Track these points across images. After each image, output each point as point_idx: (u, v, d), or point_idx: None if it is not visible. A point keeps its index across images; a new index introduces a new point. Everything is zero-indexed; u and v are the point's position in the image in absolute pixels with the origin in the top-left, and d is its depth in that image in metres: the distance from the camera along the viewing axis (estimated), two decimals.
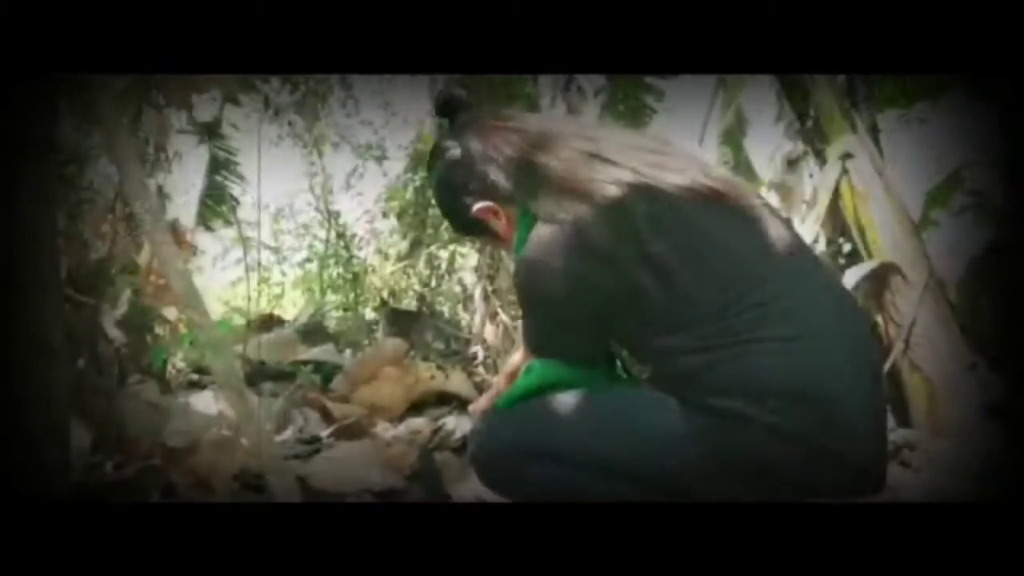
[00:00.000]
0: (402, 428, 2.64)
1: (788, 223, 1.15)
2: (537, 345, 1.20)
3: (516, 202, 1.16)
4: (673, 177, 1.08)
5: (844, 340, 1.05)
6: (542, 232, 1.09)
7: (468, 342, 4.96)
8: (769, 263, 1.05)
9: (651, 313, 1.05)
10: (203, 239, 5.54)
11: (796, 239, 1.12)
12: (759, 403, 0.98)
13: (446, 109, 1.28)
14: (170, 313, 2.03)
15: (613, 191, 1.06)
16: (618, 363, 1.25)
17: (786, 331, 1.00)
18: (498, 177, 1.16)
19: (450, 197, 1.25)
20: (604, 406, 1.12)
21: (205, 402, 2.35)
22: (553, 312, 1.14)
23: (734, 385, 1.00)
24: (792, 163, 2.54)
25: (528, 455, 1.10)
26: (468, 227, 1.27)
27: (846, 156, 2.33)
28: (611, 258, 1.06)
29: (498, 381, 1.40)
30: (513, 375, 1.32)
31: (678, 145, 1.19)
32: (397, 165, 6.95)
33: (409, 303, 5.98)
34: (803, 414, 0.98)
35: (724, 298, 1.01)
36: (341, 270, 6.75)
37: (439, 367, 3.20)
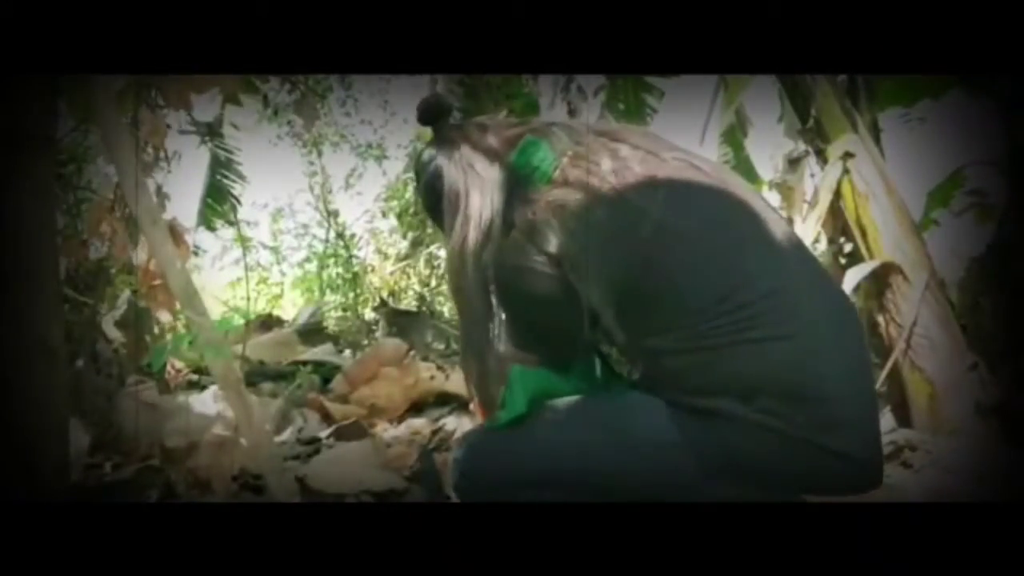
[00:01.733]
0: (402, 428, 2.64)
1: (780, 217, 1.15)
2: (521, 342, 1.17)
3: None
4: (662, 173, 1.08)
5: (834, 336, 1.05)
6: (519, 236, 1.09)
7: None
8: (760, 260, 1.04)
9: (640, 313, 1.04)
10: (203, 239, 5.55)
11: (788, 233, 1.11)
12: (746, 401, 0.98)
13: (427, 117, 1.27)
14: (168, 313, 2.03)
15: (598, 198, 1.06)
16: (607, 363, 1.24)
17: (775, 330, 1.00)
18: (480, 193, 1.15)
19: (435, 207, 1.25)
20: (594, 419, 1.10)
21: (204, 402, 2.34)
22: (535, 315, 1.14)
23: (720, 385, 1.00)
24: (793, 162, 2.53)
25: (517, 484, 1.08)
26: None
27: (847, 156, 2.32)
28: (594, 262, 1.05)
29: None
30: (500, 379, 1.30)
31: (668, 141, 1.18)
32: (397, 165, 6.97)
33: (409, 303, 5.98)
34: (792, 411, 0.98)
35: (714, 297, 1.00)
36: (340, 270, 6.74)
37: (439, 367, 3.20)
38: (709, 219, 1.06)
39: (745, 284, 1.01)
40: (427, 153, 1.27)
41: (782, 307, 1.01)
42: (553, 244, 1.06)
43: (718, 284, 1.01)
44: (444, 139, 1.25)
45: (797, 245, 1.11)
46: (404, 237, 6.39)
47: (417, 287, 6.09)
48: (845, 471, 1.02)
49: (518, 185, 1.13)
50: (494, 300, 1.15)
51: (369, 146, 7.20)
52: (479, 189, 1.16)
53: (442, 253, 5.93)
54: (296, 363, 3.89)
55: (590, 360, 1.23)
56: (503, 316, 1.16)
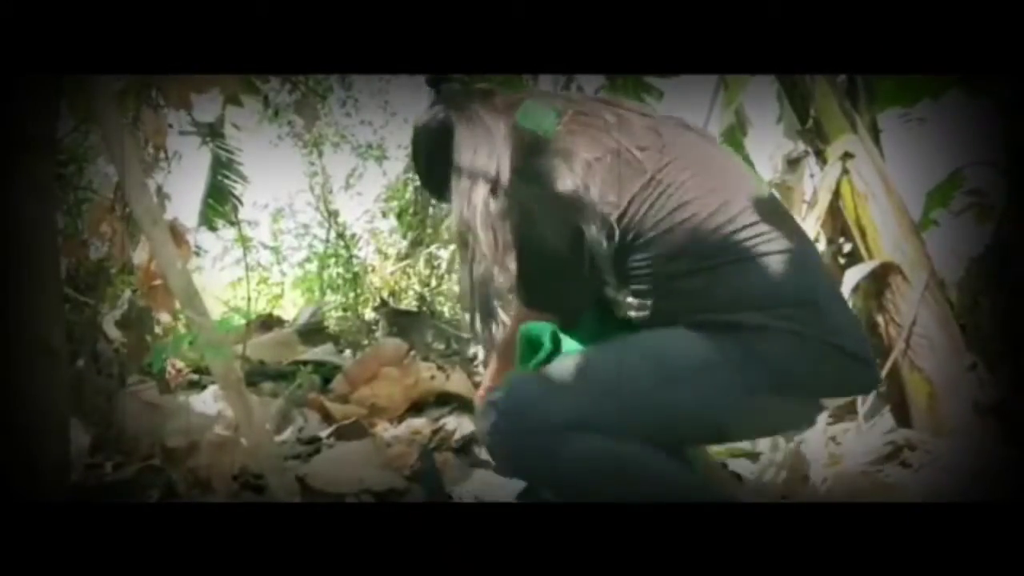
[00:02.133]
0: (402, 428, 2.64)
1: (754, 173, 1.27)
2: (531, 297, 1.20)
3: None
4: (661, 125, 1.18)
5: (811, 252, 1.19)
6: (528, 184, 1.14)
7: (468, 342, 4.95)
8: (748, 193, 1.14)
9: (648, 243, 1.10)
10: (203, 239, 5.55)
11: (760, 180, 1.25)
12: (768, 311, 1.06)
13: (435, 79, 1.34)
14: (169, 313, 2.03)
15: (602, 142, 1.12)
16: (611, 313, 1.25)
17: (774, 246, 1.09)
18: (489, 147, 1.20)
19: (435, 162, 1.29)
20: (631, 356, 1.11)
21: (204, 402, 2.35)
22: (547, 262, 1.16)
23: (739, 298, 1.07)
24: (793, 163, 2.54)
25: (558, 426, 1.04)
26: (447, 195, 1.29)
27: (847, 156, 2.33)
28: (599, 200, 1.10)
29: (490, 369, 1.39)
30: (507, 354, 1.30)
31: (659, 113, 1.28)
32: (397, 165, 6.94)
33: (409, 303, 5.97)
34: (805, 316, 1.06)
35: (716, 223, 1.09)
36: (341, 270, 6.74)
37: (439, 367, 3.20)
38: (705, 160, 1.16)
39: (742, 211, 1.10)
40: (431, 111, 1.31)
41: (772, 229, 1.11)
42: (560, 185, 1.10)
43: (717, 213, 1.09)
44: (449, 98, 1.30)
45: (767, 187, 1.24)
46: (404, 237, 6.39)
47: (417, 287, 6.09)
48: (857, 370, 1.11)
49: (523, 141, 1.17)
50: (500, 253, 1.16)
51: (369, 146, 7.19)
52: (488, 143, 1.20)
53: (442, 253, 5.93)
54: (296, 363, 3.88)
55: (595, 314, 1.25)
56: (513, 270, 1.16)
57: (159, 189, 1.93)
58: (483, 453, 2.23)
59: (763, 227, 1.10)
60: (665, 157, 1.12)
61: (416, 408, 3.00)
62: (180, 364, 2.92)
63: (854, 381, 1.14)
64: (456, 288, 5.82)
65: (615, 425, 1.05)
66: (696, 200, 1.10)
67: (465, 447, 2.29)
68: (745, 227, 1.09)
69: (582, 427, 1.04)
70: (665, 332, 1.10)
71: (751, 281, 1.07)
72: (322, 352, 4.22)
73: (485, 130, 1.22)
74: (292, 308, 6.98)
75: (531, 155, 1.15)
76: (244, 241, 6.74)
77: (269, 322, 5.28)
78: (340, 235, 6.96)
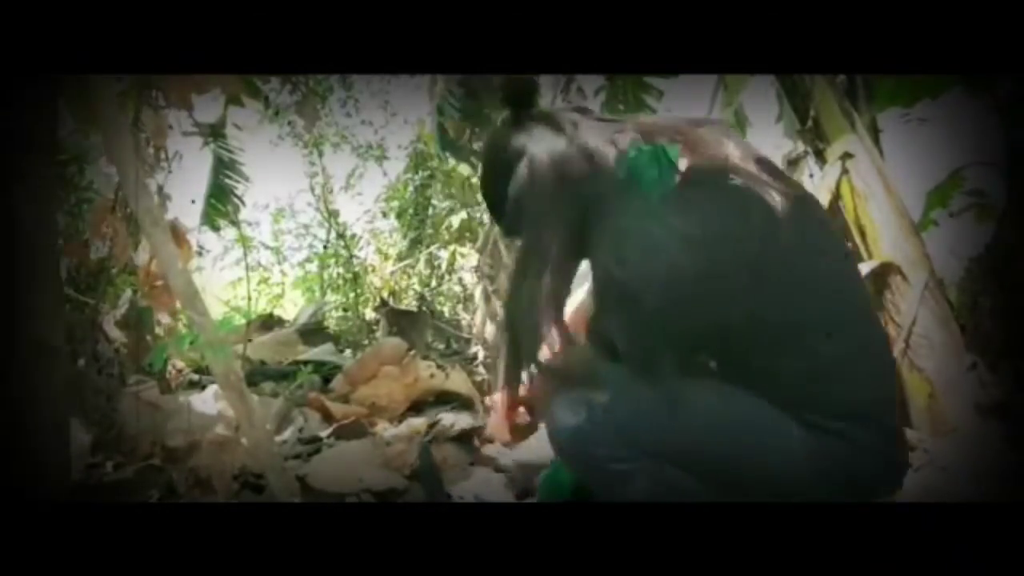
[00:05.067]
0: (402, 428, 2.64)
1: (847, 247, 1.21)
2: (628, 354, 1.11)
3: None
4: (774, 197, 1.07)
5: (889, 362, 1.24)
6: (653, 240, 1.04)
7: (468, 342, 4.96)
8: (844, 297, 1.12)
9: (762, 334, 1.08)
10: (204, 239, 5.55)
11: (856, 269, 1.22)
12: (850, 422, 1.07)
13: (521, 98, 1.22)
14: (169, 313, 2.03)
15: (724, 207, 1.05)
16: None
17: (872, 352, 1.13)
18: (581, 206, 1.10)
19: (522, 199, 1.15)
20: (732, 412, 1.11)
21: (205, 402, 2.35)
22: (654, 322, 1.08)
23: (834, 406, 1.08)
24: (792, 163, 2.54)
25: (658, 457, 1.08)
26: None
27: (846, 156, 2.33)
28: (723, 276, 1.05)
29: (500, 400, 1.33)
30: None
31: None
32: (397, 165, 6.95)
33: (409, 303, 5.98)
34: (873, 432, 1.09)
35: (824, 325, 1.07)
36: (341, 270, 6.74)
37: (439, 366, 3.20)
38: (811, 259, 1.10)
39: (849, 312, 1.11)
40: (516, 139, 1.18)
41: (869, 337, 1.14)
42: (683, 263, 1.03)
43: (830, 311, 1.09)
44: (536, 130, 1.18)
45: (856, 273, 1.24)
46: (404, 237, 6.40)
47: (417, 287, 6.09)
48: (896, 476, 1.16)
49: (625, 195, 1.07)
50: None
51: (370, 147, 7.19)
52: (582, 202, 1.10)
53: (442, 253, 5.94)
54: (297, 363, 3.89)
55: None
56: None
57: (160, 189, 1.93)
58: (483, 449, 2.25)
59: (867, 332, 1.12)
60: (777, 251, 1.05)
61: (416, 407, 3.00)
62: (181, 364, 2.92)
63: (892, 484, 1.18)
64: (456, 288, 5.82)
65: (693, 464, 1.09)
66: (809, 306, 1.08)
67: (463, 439, 2.30)
68: (849, 336, 1.09)
69: (662, 455, 1.08)
70: (770, 412, 1.09)
71: (843, 389, 1.08)
72: (322, 352, 4.23)
73: (583, 184, 1.10)
74: (292, 308, 6.99)
75: (653, 237, 1.04)
76: (245, 241, 6.76)
77: (269, 322, 5.29)
78: (340, 235, 6.97)
